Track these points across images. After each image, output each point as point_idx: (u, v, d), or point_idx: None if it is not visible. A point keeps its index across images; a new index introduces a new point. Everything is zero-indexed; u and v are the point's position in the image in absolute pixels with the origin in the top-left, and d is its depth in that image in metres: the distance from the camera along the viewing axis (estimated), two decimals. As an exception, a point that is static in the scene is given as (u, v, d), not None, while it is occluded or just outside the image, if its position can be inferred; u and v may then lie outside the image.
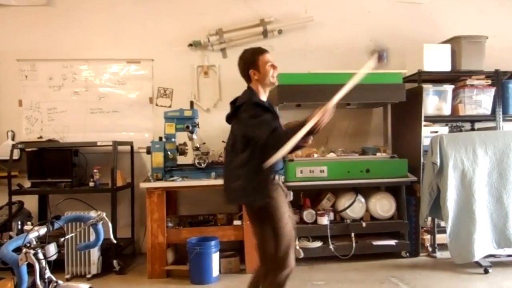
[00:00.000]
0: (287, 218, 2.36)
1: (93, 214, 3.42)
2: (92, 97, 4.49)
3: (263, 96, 2.46)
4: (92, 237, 1.68)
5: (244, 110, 2.31)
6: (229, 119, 2.50)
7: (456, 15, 4.79)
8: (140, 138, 4.44)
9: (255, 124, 2.25)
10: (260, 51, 2.44)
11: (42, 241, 1.44)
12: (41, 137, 4.34)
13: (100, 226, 1.58)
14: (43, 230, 1.44)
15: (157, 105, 4.53)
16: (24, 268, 1.31)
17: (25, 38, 4.42)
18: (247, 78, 2.45)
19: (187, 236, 3.55)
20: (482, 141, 3.60)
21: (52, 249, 1.43)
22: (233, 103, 2.46)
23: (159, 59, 4.53)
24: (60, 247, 1.45)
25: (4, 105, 4.41)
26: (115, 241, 1.70)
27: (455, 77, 4.34)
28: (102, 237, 1.60)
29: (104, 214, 1.61)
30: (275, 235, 2.29)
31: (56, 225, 1.49)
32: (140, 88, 4.53)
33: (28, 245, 1.40)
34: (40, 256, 1.39)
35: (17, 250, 1.36)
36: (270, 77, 2.41)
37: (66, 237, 1.48)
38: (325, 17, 4.68)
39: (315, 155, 3.98)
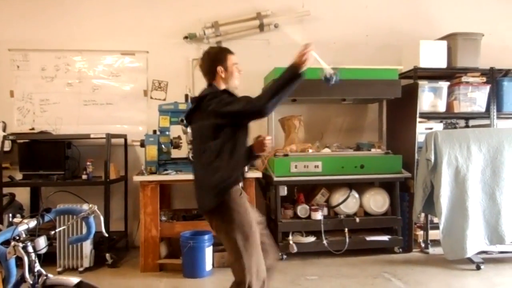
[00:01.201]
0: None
1: (85, 207, 3.42)
2: (85, 89, 4.44)
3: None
4: (84, 230, 1.65)
5: (210, 99, 2.16)
6: (188, 117, 2.36)
7: (453, 12, 4.79)
8: (134, 131, 4.40)
9: (229, 102, 2.12)
10: (229, 51, 2.35)
11: (32, 234, 1.41)
12: (33, 129, 4.28)
13: (91, 219, 1.55)
14: (33, 223, 1.41)
15: (151, 97, 4.50)
16: (12, 262, 1.28)
17: (18, 27, 4.35)
18: (212, 76, 2.30)
19: (181, 230, 3.53)
20: (476, 138, 3.61)
21: (42, 242, 1.40)
22: (193, 101, 2.34)
23: (154, 51, 4.48)
24: (50, 240, 1.42)
25: (-5, 95, 4.35)
26: (106, 235, 1.68)
27: (451, 74, 4.34)
28: (93, 231, 1.57)
29: (96, 207, 1.59)
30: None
31: (47, 218, 1.46)
32: (134, 80, 4.49)
33: (17, 238, 1.37)
34: (30, 249, 1.36)
35: (6, 243, 1.33)
36: (235, 78, 2.31)
37: (57, 230, 1.46)
38: (322, 11, 4.65)
39: (310, 150, 3.97)
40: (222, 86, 2.29)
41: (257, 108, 2.05)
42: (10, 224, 3.87)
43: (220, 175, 2.09)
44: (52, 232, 1.47)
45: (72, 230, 3.41)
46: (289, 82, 2.03)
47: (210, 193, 2.14)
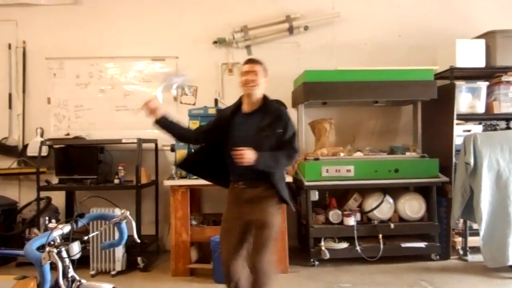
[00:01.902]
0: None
1: (117, 212, 3.46)
2: (117, 95, 4.52)
3: (245, 104, 2.48)
4: (117, 235, 1.65)
5: (289, 121, 2.47)
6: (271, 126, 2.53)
7: (489, 9, 4.60)
8: (164, 135, 4.32)
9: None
10: (245, 61, 2.55)
11: (66, 239, 1.42)
12: (68, 134, 4.40)
13: (124, 224, 1.55)
14: (67, 228, 1.42)
15: (181, 102, 4.53)
16: (47, 267, 1.29)
17: (53, 36, 4.50)
18: None
19: (211, 234, 3.51)
20: (519, 140, 3.43)
21: (75, 247, 1.41)
22: None
23: (184, 57, 4.52)
24: (84, 245, 1.42)
25: (33, 102, 4.51)
26: (138, 240, 1.67)
27: (490, 74, 4.15)
28: (125, 236, 1.57)
29: (128, 213, 1.58)
30: None
31: (80, 224, 1.47)
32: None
33: (52, 243, 1.38)
34: (64, 254, 1.37)
35: (41, 248, 1.34)
36: (242, 85, 2.45)
37: (90, 235, 1.46)
38: (353, 12, 4.57)
39: (342, 154, 3.88)
40: (243, 99, 2.51)
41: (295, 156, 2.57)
42: (46, 228, 3.99)
43: None
44: (86, 238, 1.48)
45: (105, 235, 3.46)
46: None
47: None
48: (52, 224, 1.42)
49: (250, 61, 2.50)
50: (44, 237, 1.35)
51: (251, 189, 2.42)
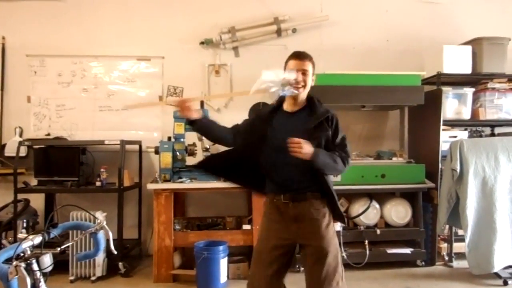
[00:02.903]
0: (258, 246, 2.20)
1: (98, 215, 3.36)
2: (101, 95, 4.41)
3: (287, 103, 2.21)
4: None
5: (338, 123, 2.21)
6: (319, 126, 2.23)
7: (477, 15, 4.62)
8: (149, 137, 4.36)
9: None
10: (291, 55, 2.21)
11: (38, 251, 1.33)
12: (49, 134, 4.28)
13: (100, 235, 1.47)
14: (38, 239, 1.33)
15: (166, 104, 4.44)
16: (14, 283, 1.20)
17: (35, 33, 4.36)
18: None
19: (195, 239, 3.44)
20: (505, 147, 3.44)
21: (47, 260, 1.32)
22: None
23: (170, 57, 4.43)
24: (56, 257, 1.34)
25: (12, 101, 4.35)
26: (115, 252, 1.59)
27: (476, 80, 4.17)
28: (102, 247, 1.49)
29: (105, 223, 1.51)
30: None
31: (53, 234, 1.39)
32: (150, 86, 4.45)
33: (22, 255, 1.29)
34: (35, 267, 1.28)
35: (10, 261, 1.25)
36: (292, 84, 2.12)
37: (63, 247, 1.38)
38: (341, 16, 4.54)
39: (329, 159, 3.83)
40: (286, 99, 2.22)
41: None
42: (26, 230, 3.85)
43: None
44: (59, 249, 1.39)
45: (82, 244, 3.36)
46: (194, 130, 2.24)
47: None
48: (22, 235, 1.33)
49: (299, 56, 2.15)
50: (12, 249, 1.26)
51: (296, 203, 2.07)
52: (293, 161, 1.99)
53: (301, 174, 2.07)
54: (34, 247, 1.32)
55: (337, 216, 2.14)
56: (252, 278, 2.17)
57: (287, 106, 2.20)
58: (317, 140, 2.06)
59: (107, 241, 1.51)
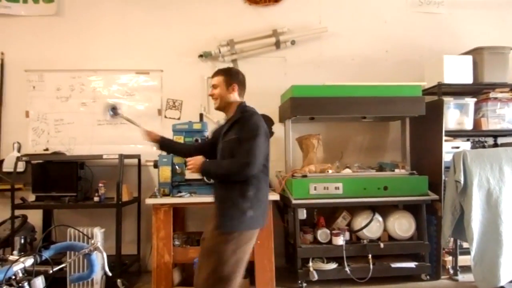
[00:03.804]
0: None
1: (96, 230, 3.30)
2: (100, 109, 4.35)
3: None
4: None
5: None
6: None
7: (477, 25, 4.61)
8: (148, 150, 4.26)
9: None
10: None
11: (30, 274, 1.28)
12: (47, 149, 4.24)
13: (94, 256, 1.41)
14: (29, 262, 1.28)
15: (165, 117, 4.41)
16: (4, 308, 1.15)
17: (33, 48, 4.35)
18: None
19: (195, 255, 3.36)
20: (509, 157, 3.37)
21: (39, 283, 1.27)
22: None
23: (169, 70, 4.41)
24: (49, 280, 1.28)
25: (11, 116, 4.32)
26: (110, 274, 1.53)
27: (477, 90, 4.14)
28: (96, 269, 1.43)
29: (99, 243, 1.45)
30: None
31: (45, 255, 1.33)
32: (148, 99, 4.42)
33: (14, 277, 1.24)
34: (26, 291, 1.23)
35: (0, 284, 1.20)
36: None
37: (55, 269, 1.33)
38: (340, 27, 4.53)
39: (330, 171, 3.78)
40: None
41: None
42: (23, 246, 3.78)
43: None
44: (51, 271, 1.34)
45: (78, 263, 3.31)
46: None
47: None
48: (13, 257, 1.27)
49: (214, 74, 2.55)
50: (2, 272, 1.20)
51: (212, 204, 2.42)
52: None
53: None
54: (26, 269, 1.27)
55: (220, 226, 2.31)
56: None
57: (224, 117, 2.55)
58: (226, 143, 2.30)
59: (102, 262, 1.45)
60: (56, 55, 4.36)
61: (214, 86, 2.47)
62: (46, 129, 4.33)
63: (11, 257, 1.30)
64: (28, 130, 4.32)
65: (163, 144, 2.74)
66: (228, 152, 2.27)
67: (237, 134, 2.24)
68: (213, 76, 2.53)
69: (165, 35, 4.43)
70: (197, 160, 2.27)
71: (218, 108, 2.49)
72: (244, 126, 2.24)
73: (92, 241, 1.42)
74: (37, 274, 1.28)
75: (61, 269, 1.38)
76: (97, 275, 3.42)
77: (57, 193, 3.88)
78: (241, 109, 2.39)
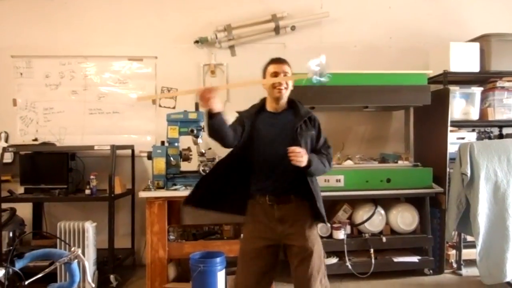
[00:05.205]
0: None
1: (87, 225, 3.16)
2: (91, 97, 4.20)
3: (271, 105, 2.28)
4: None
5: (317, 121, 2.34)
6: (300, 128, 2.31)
7: (484, 11, 4.42)
8: (142, 141, 4.16)
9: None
10: (270, 61, 2.29)
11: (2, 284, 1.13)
12: (36, 139, 4.06)
13: (74, 265, 1.27)
14: (0, 272, 1.14)
15: (160, 106, 4.24)
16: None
17: (21, 33, 4.15)
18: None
19: (190, 250, 3.23)
20: (518, 149, 3.25)
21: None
22: None
23: (163, 57, 4.23)
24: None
25: (-3, 104, 4.14)
26: (93, 285, 1.40)
27: (484, 79, 3.99)
28: (77, 279, 1.29)
29: (80, 251, 1.31)
30: None
31: (19, 265, 1.19)
32: (142, 87, 4.24)
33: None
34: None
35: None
36: (271, 91, 2.21)
37: (30, 280, 1.19)
38: (342, 12, 4.34)
39: (331, 163, 3.64)
40: (268, 98, 2.28)
41: None
42: (12, 240, 3.64)
43: None
44: (25, 283, 1.19)
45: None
46: (208, 123, 2.00)
47: None
48: (-17, 268, 1.13)
49: (279, 61, 2.26)
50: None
51: (281, 205, 2.15)
52: (281, 163, 2.10)
53: (287, 176, 2.14)
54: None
55: (319, 217, 2.21)
56: (239, 278, 2.21)
57: (270, 108, 2.28)
58: (304, 139, 2.17)
59: (84, 271, 1.31)
60: (44, 40, 4.15)
61: (286, 75, 2.22)
62: (34, 118, 4.15)
63: (-20, 268, 1.16)
64: (16, 119, 4.14)
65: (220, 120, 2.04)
66: (307, 145, 2.19)
67: (317, 130, 2.27)
68: (280, 63, 2.25)
69: (160, 20, 4.23)
70: (305, 154, 2.04)
71: (279, 99, 2.21)
72: (320, 125, 2.30)
73: (73, 249, 1.28)
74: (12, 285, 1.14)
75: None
76: (90, 270, 3.27)
77: (46, 185, 3.72)
78: (299, 102, 2.33)
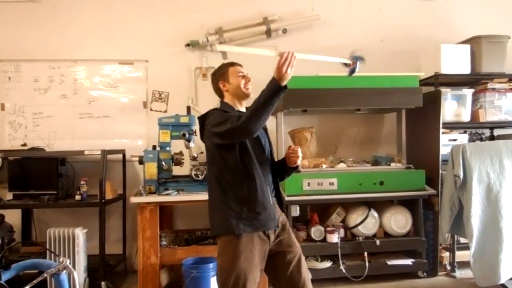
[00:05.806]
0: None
1: (78, 231, 3.10)
2: (81, 101, 4.15)
3: (241, 104, 2.25)
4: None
5: (208, 116, 2.11)
6: (202, 136, 2.22)
7: (474, 13, 4.46)
8: (133, 145, 4.11)
9: (221, 121, 1.97)
10: (231, 64, 2.29)
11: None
12: (25, 145, 4.01)
13: (63, 276, 1.24)
14: (-15, 285, 1.10)
15: (151, 109, 4.19)
16: None
17: (9, 36, 4.08)
18: (219, 93, 2.27)
19: (183, 256, 3.20)
20: (510, 151, 3.26)
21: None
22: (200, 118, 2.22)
23: (154, 60, 4.19)
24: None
25: (-15, 109, 4.07)
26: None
27: (475, 80, 4.01)
28: (66, 291, 1.26)
29: (68, 262, 1.27)
30: None
31: (5, 276, 1.15)
32: (133, 91, 4.19)
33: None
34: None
35: None
36: (242, 87, 2.19)
37: (17, 293, 1.15)
38: (333, 15, 4.34)
39: (324, 166, 3.63)
40: (231, 101, 2.22)
41: (239, 127, 1.88)
42: (0, 247, 3.58)
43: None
44: (11, 296, 1.16)
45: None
46: (270, 97, 1.85)
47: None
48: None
49: (238, 64, 2.30)
50: None
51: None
52: (269, 162, 2.16)
53: (274, 180, 2.18)
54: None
55: None
56: None
57: (241, 107, 2.23)
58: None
59: (73, 282, 1.27)
60: (33, 43, 4.09)
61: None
62: (23, 123, 4.08)
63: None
64: (4, 124, 4.07)
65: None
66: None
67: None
68: (239, 65, 2.29)
69: (150, 23, 4.19)
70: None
71: (249, 96, 2.21)
72: None
73: (61, 259, 1.24)
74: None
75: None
76: (80, 277, 3.24)
77: (36, 191, 3.65)
78: None
